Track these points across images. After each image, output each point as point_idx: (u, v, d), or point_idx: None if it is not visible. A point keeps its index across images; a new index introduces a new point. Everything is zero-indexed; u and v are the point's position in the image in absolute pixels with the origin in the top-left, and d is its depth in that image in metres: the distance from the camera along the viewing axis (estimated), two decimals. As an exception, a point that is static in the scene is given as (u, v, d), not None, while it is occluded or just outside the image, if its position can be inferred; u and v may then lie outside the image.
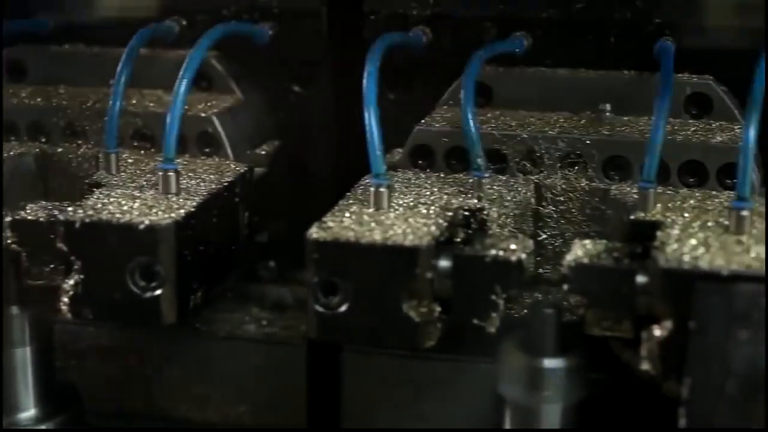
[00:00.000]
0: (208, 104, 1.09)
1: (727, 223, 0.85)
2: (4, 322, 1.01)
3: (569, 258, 0.84)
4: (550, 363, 0.89)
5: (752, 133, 0.83)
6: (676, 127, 0.99)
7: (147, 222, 0.88)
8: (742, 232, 0.84)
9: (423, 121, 1.02)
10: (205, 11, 1.11)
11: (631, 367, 0.85)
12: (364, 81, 0.90)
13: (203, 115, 1.06)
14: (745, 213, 0.84)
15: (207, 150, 1.06)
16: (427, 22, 1.07)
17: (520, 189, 0.97)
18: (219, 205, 0.96)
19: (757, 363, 0.77)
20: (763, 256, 0.80)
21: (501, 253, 0.84)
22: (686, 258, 0.80)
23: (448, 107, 1.05)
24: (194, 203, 0.93)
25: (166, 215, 0.90)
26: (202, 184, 0.98)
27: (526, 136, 0.98)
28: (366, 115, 0.90)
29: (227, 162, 1.05)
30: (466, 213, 0.91)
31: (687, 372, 0.78)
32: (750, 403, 0.77)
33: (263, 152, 1.09)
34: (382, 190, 0.90)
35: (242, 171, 1.01)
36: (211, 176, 0.99)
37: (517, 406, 0.90)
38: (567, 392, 0.89)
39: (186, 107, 0.96)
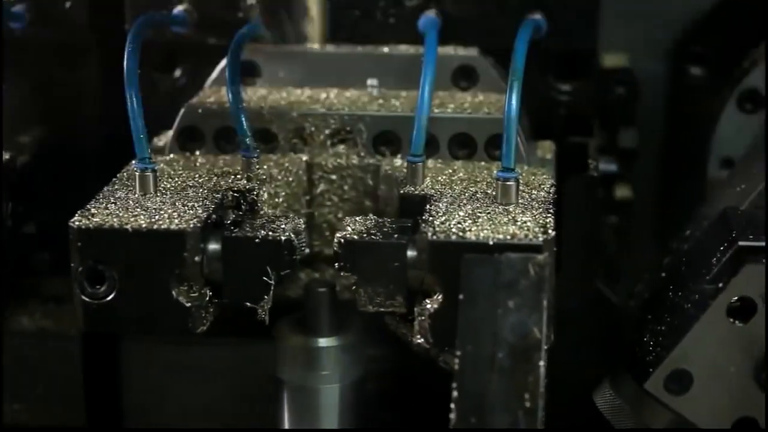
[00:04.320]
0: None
1: (494, 193, 0.85)
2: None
3: (338, 235, 0.83)
4: (326, 342, 0.88)
5: (514, 104, 0.83)
6: (445, 100, 0.99)
7: None
8: (508, 202, 0.84)
9: (190, 102, 0.99)
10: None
11: (407, 343, 0.85)
12: (125, 61, 0.88)
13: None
14: (510, 183, 0.84)
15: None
16: (192, 1, 1.04)
17: (291, 168, 0.95)
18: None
19: (526, 330, 0.78)
20: (530, 224, 0.81)
21: (270, 233, 0.83)
22: (454, 230, 0.80)
23: (216, 87, 1.02)
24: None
25: None
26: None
27: (295, 114, 0.97)
28: (127, 96, 0.87)
29: (-14, 151, 1.00)
30: (236, 194, 0.89)
31: (458, 344, 0.78)
32: (520, 370, 0.77)
33: (27, 139, 1.05)
34: (147, 174, 0.88)
35: (4, 159, 0.97)
36: (-31, 167, 0.96)
37: (295, 387, 0.89)
38: (345, 371, 0.88)
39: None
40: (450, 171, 0.92)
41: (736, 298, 0.85)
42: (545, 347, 0.78)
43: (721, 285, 0.85)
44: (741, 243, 0.85)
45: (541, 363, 0.77)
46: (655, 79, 1.14)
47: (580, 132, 1.04)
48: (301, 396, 0.90)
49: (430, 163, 0.92)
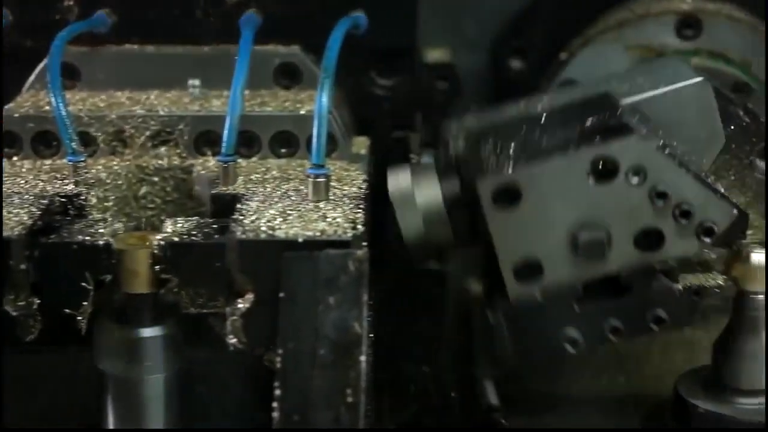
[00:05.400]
0: None
1: (306, 191, 0.86)
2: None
3: (158, 237, 0.83)
4: (148, 333, 0.87)
5: (325, 101, 0.84)
6: (266, 99, 0.99)
7: None
8: (320, 199, 0.85)
9: (7, 106, 0.98)
10: None
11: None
12: None
13: None
14: (321, 180, 0.85)
15: None
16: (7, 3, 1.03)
17: (118, 171, 0.95)
18: None
19: (347, 326, 0.78)
20: (340, 220, 0.81)
21: (87, 238, 0.82)
22: (264, 228, 0.81)
23: (35, 91, 1.01)
24: None
25: None
26: None
27: (114, 116, 0.96)
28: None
29: None
30: (63, 199, 0.88)
31: (280, 342, 0.78)
32: (342, 366, 0.78)
33: None
34: (-38, 182, 0.87)
35: None
36: None
37: (118, 380, 0.88)
38: (168, 361, 0.88)
39: None
40: (264, 169, 0.92)
41: (604, 157, 0.83)
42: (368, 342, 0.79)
43: (597, 139, 0.84)
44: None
45: (362, 358, 0.77)
46: (477, 73, 1.15)
47: (402, 127, 1.05)
48: (125, 388, 0.89)
49: (244, 162, 0.92)
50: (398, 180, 0.88)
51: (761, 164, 0.96)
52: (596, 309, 0.86)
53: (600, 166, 0.83)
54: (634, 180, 0.83)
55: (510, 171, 0.83)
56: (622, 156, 0.83)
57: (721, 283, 0.89)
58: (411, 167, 0.89)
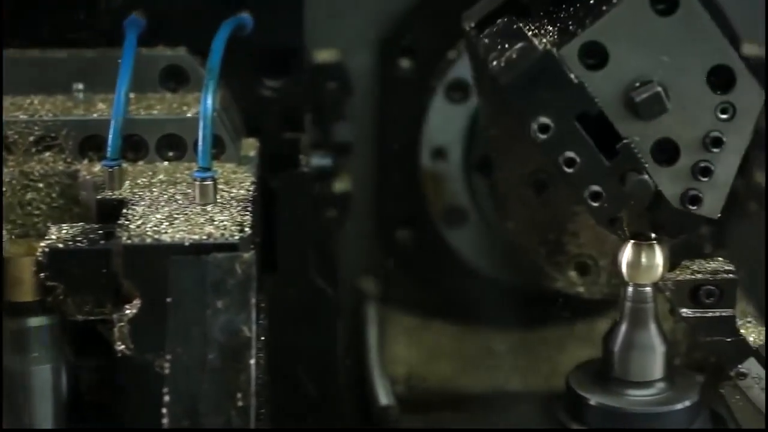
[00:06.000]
0: None
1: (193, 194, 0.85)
2: None
3: (42, 244, 0.82)
4: (33, 322, 0.86)
5: (209, 103, 0.83)
6: (153, 102, 0.98)
7: None
8: (207, 202, 0.84)
9: None
10: None
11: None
12: None
13: None
14: (207, 183, 0.85)
15: None
16: None
17: (5, 178, 0.93)
18: None
19: (235, 329, 0.77)
20: (227, 223, 0.81)
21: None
22: (149, 233, 0.80)
23: None
24: None
25: None
26: None
27: (-3, 122, 0.94)
28: None
29: None
30: None
31: (168, 348, 0.77)
32: (232, 370, 0.77)
33: None
34: None
35: None
36: None
37: (6, 372, 0.87)
38: (56, 352, 0.86)
39: None
40: (150, 173, 0.91)
41: None
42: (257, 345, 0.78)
43: None
44: None
45: (252, 361, 0.77)
46: (367, 73, 1.15)
47: (292, 128, 1.05)
48: (13, 379, 0.87)
49: (131, 166, 0.92)
50: None
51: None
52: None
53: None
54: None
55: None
56: None
57: None
58: None
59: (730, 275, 0.90)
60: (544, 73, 0.82)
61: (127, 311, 0.79)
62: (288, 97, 1.04)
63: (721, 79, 0.83)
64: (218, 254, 0.79)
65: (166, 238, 0.79)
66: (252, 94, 1.04)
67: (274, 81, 1.04)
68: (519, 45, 0.83)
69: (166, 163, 0.94)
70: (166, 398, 0.76)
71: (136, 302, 0.79)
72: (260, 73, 1.04)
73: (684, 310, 0.90)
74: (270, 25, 1.01)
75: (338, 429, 1.06)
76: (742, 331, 0.91)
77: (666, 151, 0.84)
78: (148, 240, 0.79)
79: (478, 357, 1.20)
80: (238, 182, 0.89)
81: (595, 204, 0.84)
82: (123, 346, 0.80)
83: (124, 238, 0.79)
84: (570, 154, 0.83)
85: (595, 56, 0.83)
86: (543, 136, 0.83)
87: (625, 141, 0.83)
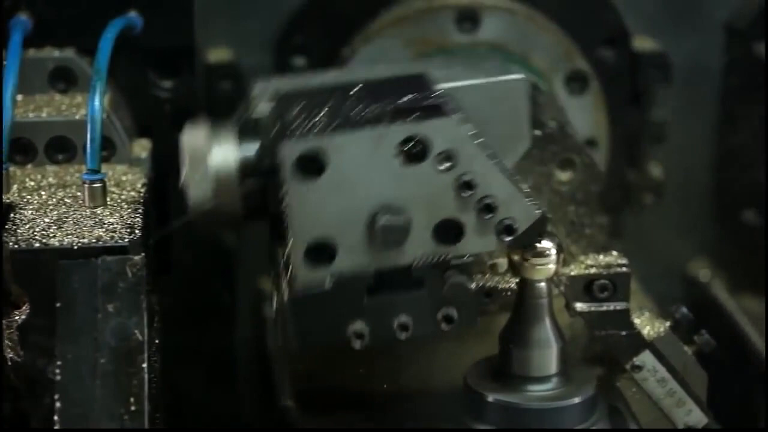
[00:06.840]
0: None
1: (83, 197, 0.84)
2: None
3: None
4: None
5: (97, 104, 0.83)
6: (41, 104, 0.96)
7: None
8: (96, 205, 0.84)
9: None
10: None
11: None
12: None
13: None
14: (97, 185, 0.84)
15: None
16: None
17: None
18: None
19: (127, 333, 0.77)
20: (117, 225, 0.80)
21: None
22: (38, 237, 0.79)
23: None
24: None
25: None
26: None
27: None
28: None
29: None
30: None
31: (58, 353, 0.77)
32: (124, 374, 0.76)
33: None
34: None
35: None
36: None
37: None
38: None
39: None
40: (39, 177, 0.90)
41: (417, 137, 0.80)
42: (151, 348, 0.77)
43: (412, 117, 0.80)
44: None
45: (145, 365, 0.76)
46: (261, 72, 1.14)
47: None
48: None
49: (19, 170, 0.90)
50: (194, 136, 0.83)
51: (560, 175, 0.96)
52: (387, 302, 0.83)
53: (410, 147, 0.79)
54: (443, 166, 0.80)
55: (316, 138, 0.78)
56: (435, 137, 0.79)
57: (513, 286, 0.90)
58: (210, 125, 0.83)
59: (624, 269, 0.91)
60: None
61: (16, 317, 0.78)
62: (180, 97, 1.04)
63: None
64: (108, 257, 0.78)
65: (54, 242, 0.78)
66: (144, 95, 1.03)
67: (166, 81, 1.04)
68: None
69: (55, 165, 0.93)
70: (58, 404, 0.75)
71: (25, 308, 0.78)
72: (152, 74, 1.03)
73: (579, 304, 0.91)
74: (160, 24, 1.00)
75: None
76: (637, 323, 0.92)
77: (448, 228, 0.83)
78: (36, 244, 0.78)
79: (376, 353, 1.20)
80: (129, 184, 0.88)
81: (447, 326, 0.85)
82: (12, 354, 0.79)
83: (11, 243, 0.78)
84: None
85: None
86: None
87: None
